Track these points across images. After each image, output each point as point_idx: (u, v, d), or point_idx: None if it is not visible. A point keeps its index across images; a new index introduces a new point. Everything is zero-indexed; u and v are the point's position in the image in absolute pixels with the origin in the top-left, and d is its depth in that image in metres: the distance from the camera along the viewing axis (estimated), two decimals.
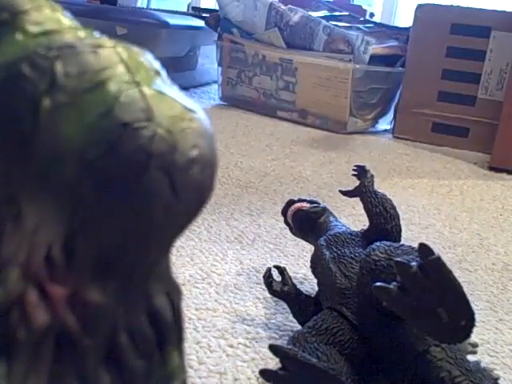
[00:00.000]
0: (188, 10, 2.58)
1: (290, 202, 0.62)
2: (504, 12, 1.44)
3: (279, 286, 0.55)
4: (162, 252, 0.25)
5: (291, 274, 0.66)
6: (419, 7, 1.48)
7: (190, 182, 0.22)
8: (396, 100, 1.61)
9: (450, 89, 1.48)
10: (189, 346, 0.50)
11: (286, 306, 0.59)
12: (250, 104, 1.72)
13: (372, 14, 2.12)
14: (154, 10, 2.28)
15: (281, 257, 0.72)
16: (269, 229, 0.80)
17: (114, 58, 0.22)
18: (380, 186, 1.02)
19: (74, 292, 0.22)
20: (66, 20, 0.24)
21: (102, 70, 0.22)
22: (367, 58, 1.50)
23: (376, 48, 1.53)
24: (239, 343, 0.51)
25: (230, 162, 1.12)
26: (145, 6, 2.77)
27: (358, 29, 1.66)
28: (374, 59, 1.52)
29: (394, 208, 0.54)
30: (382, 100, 1.62)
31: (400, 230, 0.53)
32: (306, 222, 0.60)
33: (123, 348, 0.23)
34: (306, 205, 0.61)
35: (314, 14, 1.64)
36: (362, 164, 0.59)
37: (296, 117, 1.62)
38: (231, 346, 0.51)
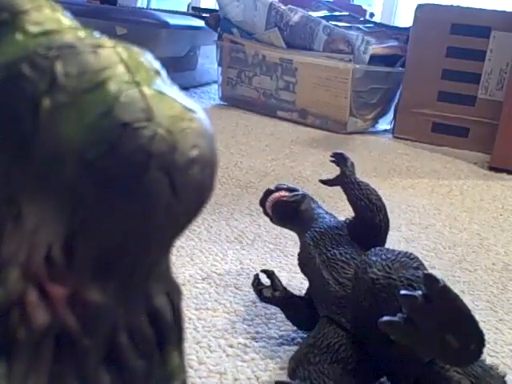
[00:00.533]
0: (188, 10, 2.58)
1: (268, 192, 0.59)
2: (504, 12, 1.44)
3: (270, 292, 0.54)
4: (162, 252, 0.25)
5: (291, 274, 0.66)
6: (419, 7, 1.48)
7: (189, 182, 0.22)
8: (396, 100, 1.61)
9: (449, 89, 1.48)
10: (189, 346, 0.50)
11: None
12: (250, 104, 1.72)
13: (372, 14, 2.12)
14: (154, 10, 2.28)
15: (281, 257, 0.72)
16: (269, 229, 0.80)
17: (114, 58, 0.22)
18: (380, 186, 1.02)
19: (74, 292, 0.22)
20: (66, 20, 0.24)
21: (102, 70, 0.22)
22: (367, 58, 1.50)
23: (376, 48, 1.53)
24: (239, 343, 0.51)
25: (229, 162, 1.12)
26: (145, 6, 2.77)
27: (358, 29, 1.66)
28: (374, 59, 1.52)
29: (379, 199, 0.51)
30: (382, 100, 1.62)
31: (388, 222, 0.51)
32: (287, 211, 0.57)
33: (123, 348, 0.23)
34: (284, 194, 0.58)
35: (314, 14, 1.64)
36: (339, 151, 0.56)
37: (296, 117, 1.62)
38: (231, 346, 0.51)
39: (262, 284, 0.55)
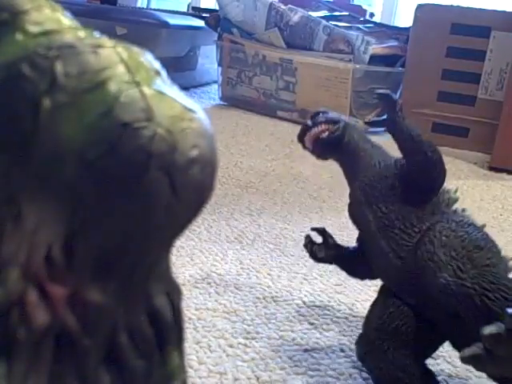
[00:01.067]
0: (188, 10, 2.58)
1: (306, 128, 0.53)
2: (504, 12, 1.44)
3: (323, 252, 0.53)
4: (162, 252, 0.25)
5: (291, 274, 0.67)
6: (419, 7, 1.48)
7: (189, 182, 0.22)
8: None
9: (450, 89, 1.48)
10: (189, 346, 0.50)
11: (285, 305, 0.59)
12: (250, 104, 1.72)
13: (372, 14, 2.12)
14: (154, 9, 2.28)
15: (281, 257, 0.72)
16: (269, 229, 0.80)
17: (114, 58, 0.22)
18: None
19: (74, 292, 0.22)
20: (65, 20, 0.24)
21: (102, 70, 0.22)
22: (367, 58, 1.50)
23: (376, 48, 1.53)
24: (239, 343, 0.51)
25: (230, 162, 1.12)
26: (145, 6, 2.77)
27: (358, 29, 1.66)
28: (374, 59, 1.52)
29: (435, 150, 0.45)
30: None
31: (445, 174, 0.46)
32: (329, 146, 0.53)
33: (123, 348, 0.23)
34: (324, 128, 0.52)
35: (314, 14, 1.64)
36: (385, 91, 0.49)
37: (296, 117, 1.62)
38: (231, 346, 0.51)
39: (314, 242, 0.54)
